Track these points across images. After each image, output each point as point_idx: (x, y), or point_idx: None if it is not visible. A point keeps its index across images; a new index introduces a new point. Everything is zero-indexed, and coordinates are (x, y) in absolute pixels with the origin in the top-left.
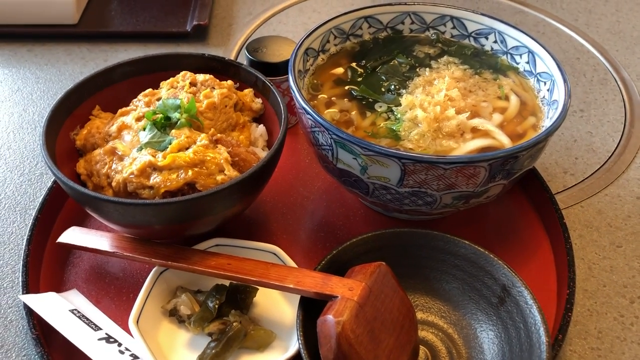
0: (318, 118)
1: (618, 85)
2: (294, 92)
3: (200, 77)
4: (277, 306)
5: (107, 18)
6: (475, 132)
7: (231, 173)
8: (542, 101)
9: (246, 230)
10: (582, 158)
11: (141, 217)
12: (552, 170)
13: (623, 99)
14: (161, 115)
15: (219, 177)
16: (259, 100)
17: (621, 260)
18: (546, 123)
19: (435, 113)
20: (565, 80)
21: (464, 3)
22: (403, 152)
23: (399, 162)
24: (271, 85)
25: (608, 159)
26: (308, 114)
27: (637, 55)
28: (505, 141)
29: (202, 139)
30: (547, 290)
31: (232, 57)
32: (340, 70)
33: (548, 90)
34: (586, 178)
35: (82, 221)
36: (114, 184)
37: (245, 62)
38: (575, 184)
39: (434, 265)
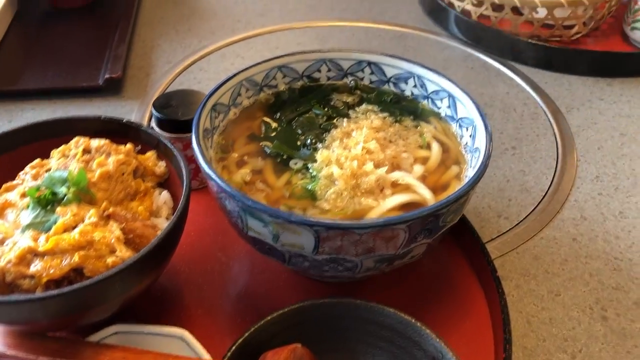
0: (222, 184)
1: (549, 118)
2: (196, 155)
3: (95, 142)
4: None
5: (13, 74)
6: (396, 186)
7: (124, 254)
8: (465, 148)
9: (156, 308)
10: (516, 199)
11: (17, 315)
12: (486, 214)
13: (554, 133)
14: (48, 190)
15: (110, 260)
16: (163, 164)
17: (560, 310)
18: (469, 173)
19: (353, 169)
20: (486, 127)
21: (391, 40)
22: (313, 219)
23: (310, 229)
24: (172, 147)
25: (542, 199)
26: (212, 179)
27: (566, 87)
28: (427, 196)
29: (91, 215)
30: (484, 353)
31: (149, 110)
32: (253, 124)
33: (470, 136)
34: (521, 221)
35: None
36: None
37: (153, 120)
38: (510, 229)
39: (360, 337)
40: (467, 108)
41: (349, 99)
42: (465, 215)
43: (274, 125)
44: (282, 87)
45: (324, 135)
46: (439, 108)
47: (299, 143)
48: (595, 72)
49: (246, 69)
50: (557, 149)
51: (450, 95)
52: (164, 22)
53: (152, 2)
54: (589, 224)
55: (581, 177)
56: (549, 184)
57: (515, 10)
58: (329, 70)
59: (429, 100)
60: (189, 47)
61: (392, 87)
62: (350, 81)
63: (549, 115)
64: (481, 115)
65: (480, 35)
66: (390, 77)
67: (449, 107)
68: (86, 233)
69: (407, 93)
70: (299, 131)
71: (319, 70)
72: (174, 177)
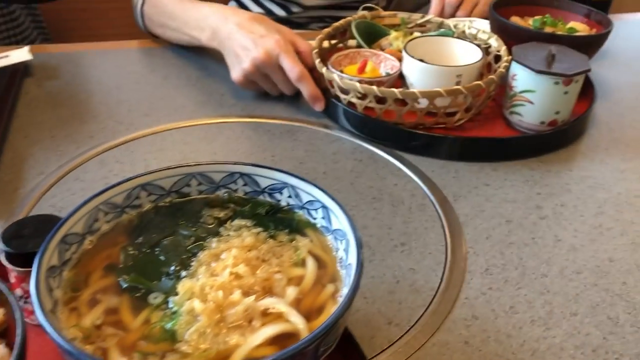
0: (59, 340)
1: (437, 209)
2: (34, 303)
3: None
4: None
5: None
6: (267, 315)
7: None
8: (340, 263)
9: None
10: (406, 302)
11: None
12: (376, 322)
13: (442, 224)
14: None
15: None
16: (1, 312)
17: None
18: (344, 292)
19: (217, 300)
20: (357, 241)
21: (281, 135)
22: None
23: None
24: (8, 295)
25: (432, 299)
26: (48, 334)
27: (452, 174)
28: (299, 324)
29: None
30: None
31: None
32: (113, 253)
33: (344, 250)
34: (412, 327)
35: None
36: None
37: (2, 251)
38: (401, 336)
39: None
40: (339, 220)
41: (221, 214)
42: (353, 327)
43: (135, 252)
44: (147, 206)
45: (191, 260)
46: (314, 219)
47: (161, 272)
48: (479, 157)
49: (103, 191)
50: (446, 241)
51: (323, 206)
52: (39, 127)
53: (27, 106)
54: (481, 323)
55: (471, 271)
56: (439, 281)
57: (399, 101)
58: (200, 183)
59: (305, 210)
60: (66, 154)
61: (267, 198)
62: (224, 193)
63: (437, 205)
64: (353, 228)
65: (367, 126)
66: (265, 188)
67: (323, 218)
68: None
69: (283, 203)
70: (162, 257)
71: (188, 185)
72: (14, 325)
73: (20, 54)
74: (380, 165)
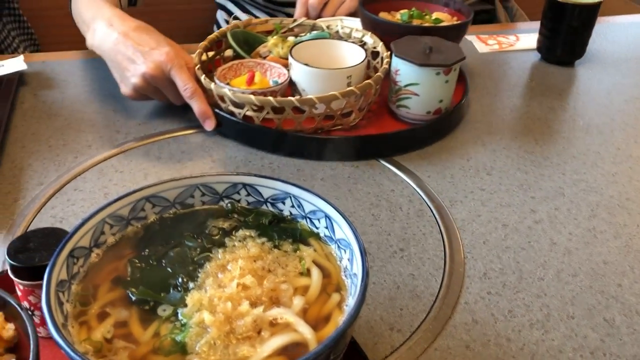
0: (73, 355)
1: (434, 215)
2: (47, 318)
3: None
4: None
5: None
6: (275, 325)
7: None
8: (344, 272)
9: None
10: (407, 308)
11: None
12: (378, 328)
13: (440, 230)
14: None
15: None
16: (12, 326)
17: None
18: (350, 301)
19: (226, 311)
20: (362, 251)
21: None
22: None
23: None
24: (21, 309)
25: (433, 305)
26: (61, 347)
27: (448, 179)
28: (307, 334)
29: None
30: None
31: None
32: (120, 265)
33: (348, 259)
34: (413, 333)
35: None
36: None
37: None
38: (404, 342)
39: None
40: (343, 229)
41: (225, 225)
42: (356, 333)
43: (142, 264)
44: (152, 218)
45: (198, 272)
46: (317, 228)
47: (169, 284)
48: (379, 154)
49: (109, 204)
50: (444, 247)
51: (326, 216)
52: (36, 138)
53: (23, 117)
54: (481, 327)
55: (470, 276)
56: (439, 286)
57: (296, 109)
58: (203, 194)
59: (308, 220)
60: (64, 164)
61: (270, 208)
62: (227, 204)
63: (434, 211)
64: (356, 238)
65: (267, 140)
66: (268, 198)
67: (326, 227)
68: None
69: (286, 213)
70: (169, 269)
71: (192, 196)
72: (24, 339)
73: (15, 63)
74: (377, 171)
